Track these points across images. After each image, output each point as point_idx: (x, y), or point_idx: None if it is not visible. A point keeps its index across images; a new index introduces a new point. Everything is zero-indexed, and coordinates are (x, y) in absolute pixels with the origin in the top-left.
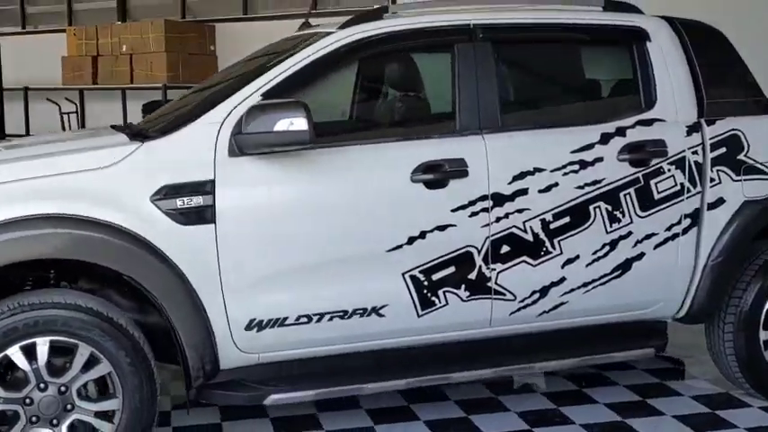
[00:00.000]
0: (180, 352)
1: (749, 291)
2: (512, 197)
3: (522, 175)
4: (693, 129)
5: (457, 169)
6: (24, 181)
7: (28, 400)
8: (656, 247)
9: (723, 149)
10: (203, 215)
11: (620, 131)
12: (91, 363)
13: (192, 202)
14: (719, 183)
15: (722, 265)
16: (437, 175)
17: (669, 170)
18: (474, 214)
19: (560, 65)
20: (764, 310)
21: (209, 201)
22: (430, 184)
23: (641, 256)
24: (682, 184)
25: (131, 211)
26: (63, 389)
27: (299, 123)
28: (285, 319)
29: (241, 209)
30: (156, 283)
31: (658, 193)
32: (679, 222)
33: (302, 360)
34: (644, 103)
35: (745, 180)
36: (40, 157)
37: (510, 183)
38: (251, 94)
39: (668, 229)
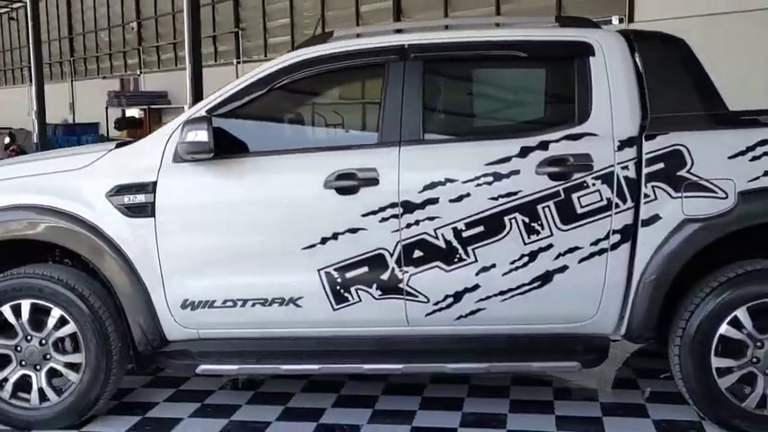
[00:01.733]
0: (126, 324)
1: (696, 314)
2: (422, 205)
3: (432, 185)
4: (627, 143)
5: (367, 178)
6: (18, 179)
7: (18, 348)
8: (581, 261)
9: (660, 165)
10: (145, 210)
11: (543, 145)
12: (61, 323)
13: (137, 200)
14: (655, 199)
15: (656, 284)
16: (348, 182)
17: (594, 184)
18: (384, 220)
19: (490, 81)
20: (717, 336)
21: (151, 198)
22: (342, 191)
23: (564, 268)
24: (608, 199)
25: (91, 204)
26: (43, 341)
27: (201, 135)
28: (213, 302)
29: (176, 206)
30: (106, 265)
31: (581, 207)
32: (607, 237)
33: (234, 339)
34: (577, 117)
35: (685, 197)
36: (37, 160)
37: (420, 192)
38: (198, 109)
39: (594, 243)
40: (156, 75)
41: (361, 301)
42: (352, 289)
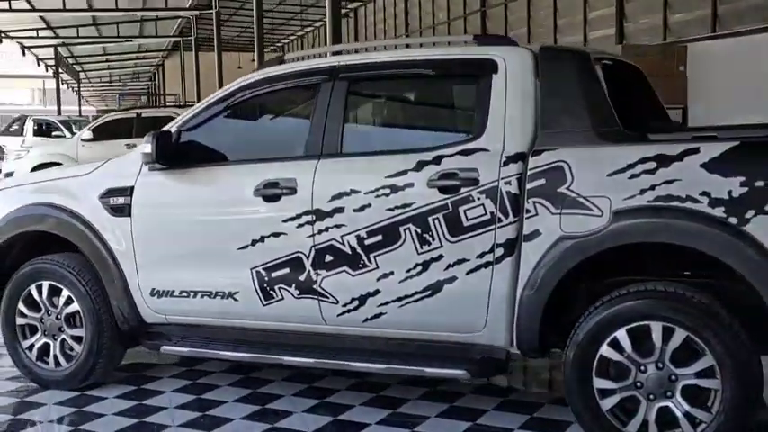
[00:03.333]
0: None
1: (579, 332)
2: (330, 214)
3: (339, 195)
4: (513, 159)
5: (288, 187)
6: (42, 182)
7: (42, 320)
8: (469, 272)
9: (542, 181)
10: (125, 210)
11: (437, 160)
12: (68, 302)
13: (119, 201)
14: (536, 215)
15: (535, 299)
16: (272, 191)
17: (479, 199)
18: (300, 226)
19: (403, 99)
20: (597, 356)
21: (129, 201)
22: (267, 198)
23: (453, 279)
24: (492, 214)
25: (86, 204)
26: (58, 316)
27: (148, 148)
28: (173, 291)
29: (145, 207)
30: (95, 256)
31: (467, 220)
32: (491, 251)
33: (191, 325)
34: (473, 133)
35: (564, 214)
36: (59, 168)
37: (329, 201)
38: (173, 124)
39: (480, 256)
40: None
41: (284, 298)
42: (277, 287)
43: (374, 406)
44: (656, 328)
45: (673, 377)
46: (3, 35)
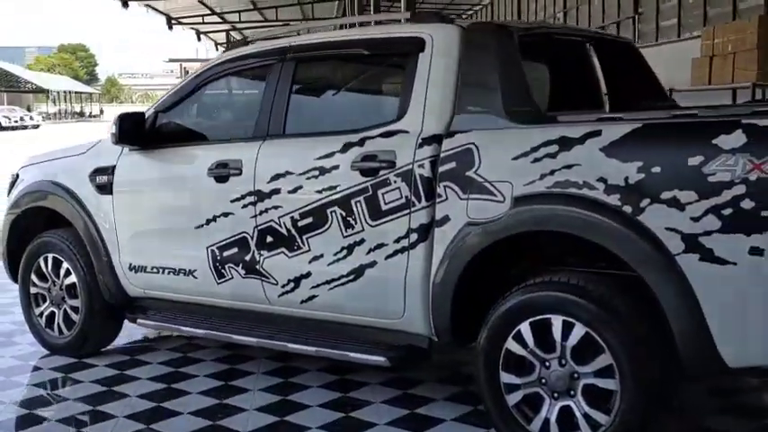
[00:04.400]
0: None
1: (487, 325)
2: (269, 195)
3: (276, 177)
4: (428, 141)
5: (235, 168)
6: (44, 162)
7: (50, 290)
8: (387, 257)
9: (453, 164)
10: (108, 188)
11: (361, 142)
12: (68, 273)
13: (103, 180)
14: (446, 199)
15: (443, 287)
16: (222, 171)
17: (395, 182)
18: (245, 206)
19: (341, 79)
20: (504, 349)
21: (111, 179)
22: (218, 179)
23: (374, 264)
24: (407, 198)
25: (79, 182)
26: (61, 287)
27: (112, 129)
28: (145, 267)
29: (123, 185)
30: (85, 231)
31: (385, 204)
32: (407, 236)
33: (164, 300)
34: (397, 114)
35: (471, 199)
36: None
37: (268, 182)
38: (152, 106)
39: (397, 241)
40: None
41: (233, 278)
42: (227, 266)
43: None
44: (557, 323)
45: (575, 375)
46: (174, 22)
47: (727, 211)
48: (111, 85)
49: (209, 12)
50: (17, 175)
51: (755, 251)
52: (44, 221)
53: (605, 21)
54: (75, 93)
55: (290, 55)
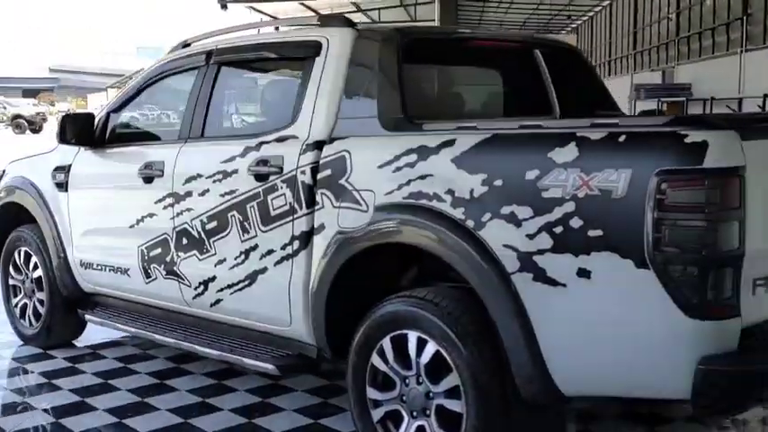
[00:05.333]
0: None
1: (355, 339)
2: (184, 197)
3: (189, 180)
4: (311, 147)
5: (158, 169)
6: (24, 159)
7: (23, 282)
8: (276, 264)
9: (329, 171)
10: (64, 186)
11: (258, 146)
12: (36, 267)
13: (60, 178)
14: (323, 207)
15: (317, 298)
16: (148, 172)
17: (281, 188)
18: (165, 208)
19: (253, 82)
20: (370, 364)
21: (67, 178)
22: (146, 180)
23: (265, 270)
24: (291, 204)
25: (43, 179)
26: (31, 280)
27: (57, 129)
28: (92, 264)
29: (75, 184)
30: (45, 227)
31: (274, 209)
32: (291, 243)
33: (110, 297)
34: (291, 118)
35: (342, 208)
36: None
37: (183, 185)
38: (105, 106)
39: (283, 248)
40: (689, 66)
41: (157, 278)
42: (152, 266)
43: None
44: (413, 339)
45: (430, 394)
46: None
47: (558, 230)
48: None
49: (313, 14)
50: (4, 171)
51: (583, 273)
52: (26, 216)
53: (716, 22)
54: None
55: (213, 58)
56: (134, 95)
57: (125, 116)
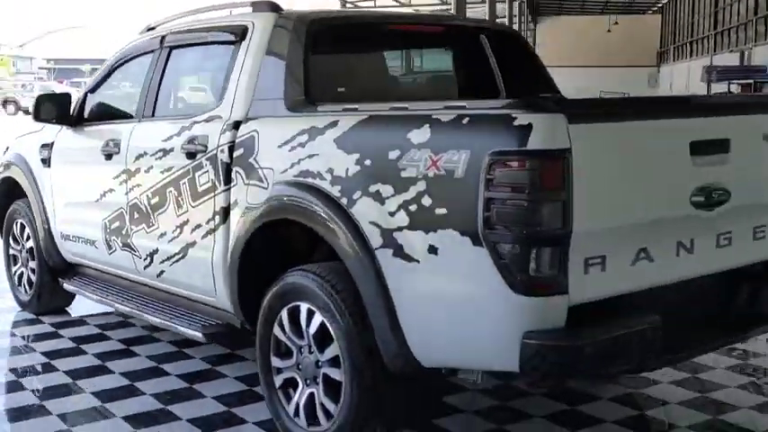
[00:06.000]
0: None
1: (261, 310)
2: (134, 173)
3: (138, 157)
4: (230, 128)
5: (116, 147)
6: (23, 136)
7: (21, 251)
8: (203, 237)
9: (242, 150)
10: (48, 162)
11: (191, 126)
12: (29, 238)
13: (45, 154)
14: (236, 184)
15: (230, 271)
16: (108, 149)
17: (206, 165)
18: (121, 183)
19: (195, 65)
20: (273, 334)
21: (50, 154)
22: (107, 157)
23: (194, 243)
24: (213, 181)
25: (33, 155)
26: (26, 250)
27: (32, 108)
28: (68, 236)
29: (56, 160)
30: (32, 201)
31: (200, 186)
32: (213, 218)
33: (86, 267)
34: (218, 99)
35: (250, 185)
36: None
37: (134, 161)
38: (83, 89)
39: (207, 222)
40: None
41: (116, 250)
42: (112, 239)
43: None
44: (304, 311)
45: (318, 363)
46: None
47: (413, 207)
48: None
49: None
50: (8, 147)
51: (432, 249)
52: (21, 189)
53: None
54: None
55: (165, 42)
56: (106, 76)
57: (99, 96)
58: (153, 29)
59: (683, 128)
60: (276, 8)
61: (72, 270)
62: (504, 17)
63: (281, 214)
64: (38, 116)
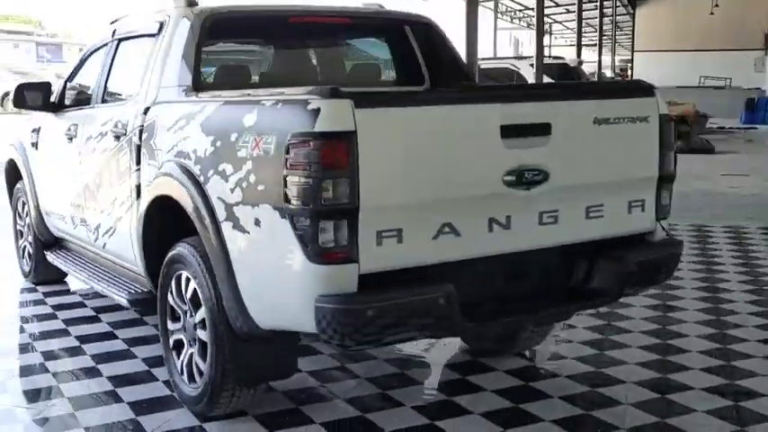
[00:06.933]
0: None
1: (160, 279)
2: (86, 155)
3: (87, 140)
4: (141, 113)
5: (74, 131)
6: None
7: (24, 227)
8: (126, 212)
9: (147, 134)
10: (35, 145)
11: (119, 112)
12: (28, 214)
13: (34, 138)
14: (143, 164)
15: (139, 244)
16: (69, 134)
17: (125, 147)
18: (78, 164)
19: (128, 55)
20: (168, 298)
21: (38, 137)
22: (69, 140)
23: (121, 218)
24: (129, 161)
25: (26, 141)
26: (26, 225)
27: (12, 95)
28: (49, 212)
29: (41, 143)
30: (26, 181)
31: (121, 165)
32: (131, 194)
33: (65, 239)
34: (140, 86)
35: (150, 165)
36: None
37: (85, 143)
38: (64, 77)
39: (128, 198)
40: None
41: (77, 225)
42: (74, 214)
43: None
44: (184, 278)
45: (195, 326)
46: None
47: (245, 185)
48: None
49: None
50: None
51: (257, 222)
52: None
53: None
54: None
55: (115, 35)
56: (79, 65)
57: (74, 83)
58: (115, 22)
59: (489, 113)
60: (192, 3)
61: (57, 244)
62: (596, 5)
63: (160, 191)
64: (16, 103)
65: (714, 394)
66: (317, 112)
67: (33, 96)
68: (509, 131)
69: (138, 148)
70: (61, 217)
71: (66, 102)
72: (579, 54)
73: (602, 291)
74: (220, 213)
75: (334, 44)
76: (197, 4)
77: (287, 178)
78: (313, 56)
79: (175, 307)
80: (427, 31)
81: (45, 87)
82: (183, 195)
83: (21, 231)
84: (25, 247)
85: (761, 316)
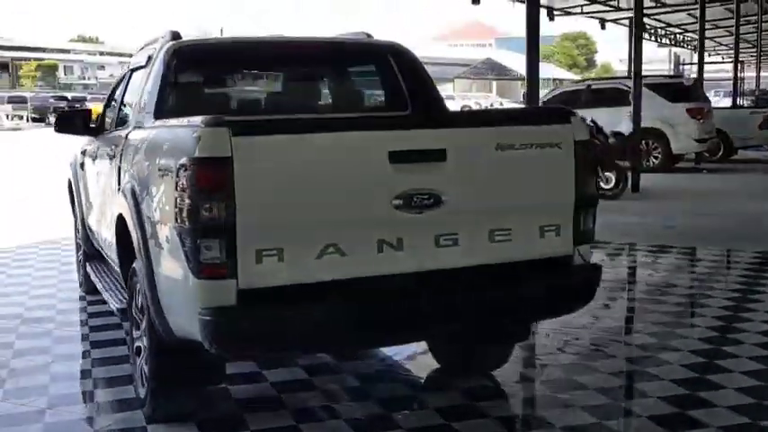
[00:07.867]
0: None
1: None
2: (99, 174)
3: (101, 161)
4: (127, 134)
5: (97, 153)
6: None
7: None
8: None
9: (123, 157)
10: (82, 165)
11: (117, 136)
12: None
13: (80, 159)
14: (121, 183)
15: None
16: (94, 155)
17: (113, 168)
18: (97, 182)
19: (134, 83)
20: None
21: (83, 159)
22: (92, 160)
23: (109, 233)
24: (114, 182)
25: (77, 162)
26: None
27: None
28: (89, 226)
29: (85, 164)
30: (75, 198)
31: (114, 184)
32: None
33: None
34: (132, 112)
35: (122, 184)
36: None
37: (100, 165)
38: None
39: (111, 215)
40: None
41: (98, 238)
42: (98, 229)
43: None
44: (137, 288)
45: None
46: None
47: (161, 204)
48: (603, 71)
49: None
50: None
51: (166, 239)
52: None
53: None
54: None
55: (130, 65)
56: (112, 93)
57: (110, 110)
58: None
59: (375, 140)
60: (176, 37)
61: (99, 257)
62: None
63: (118, 209)
64: (57, 129)
65: None
66: (198, 139)
67: (73, 123)
68: (398, 157)
69: (119, 170)
70: (92, 230)
71: (106, 126)
72: (736, 71)
73: (510, 312)
74: (148, 231)
75: (309, 74)
76: (180, 38)
77: (177, 200)
78: (288, 84)
79: (135, 316)
80: (403, 59)
81: (81, 114)
82: (128, 214)
83: (78, 244)
84: (80, 259)
85: None
